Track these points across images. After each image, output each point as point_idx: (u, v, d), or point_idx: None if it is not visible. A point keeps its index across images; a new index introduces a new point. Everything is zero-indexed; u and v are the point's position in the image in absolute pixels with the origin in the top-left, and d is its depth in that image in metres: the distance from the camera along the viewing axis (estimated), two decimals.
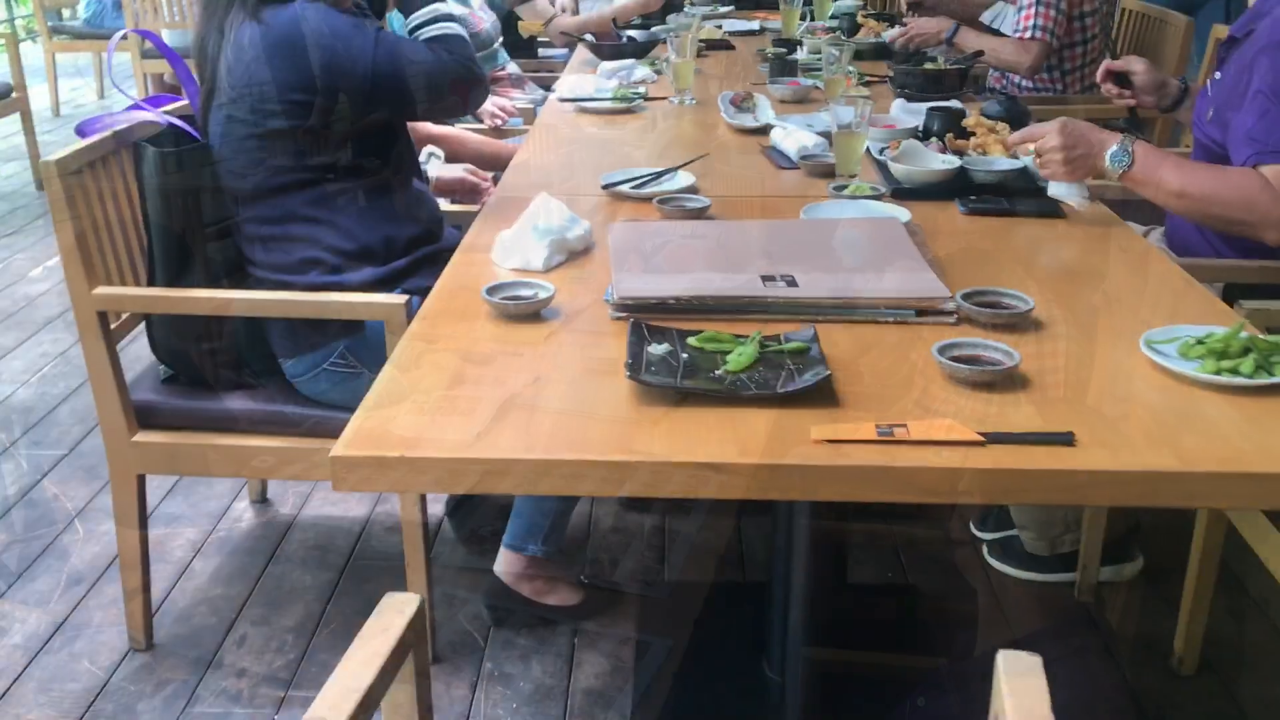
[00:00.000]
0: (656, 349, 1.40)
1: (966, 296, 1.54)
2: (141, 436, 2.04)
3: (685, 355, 1.39)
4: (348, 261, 1.98)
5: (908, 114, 2.61)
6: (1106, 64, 2.27)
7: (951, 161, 2.16)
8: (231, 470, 2.15)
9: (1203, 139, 2.16)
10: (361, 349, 1.98)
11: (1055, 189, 2.02)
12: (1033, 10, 3.32)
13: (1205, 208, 1.91)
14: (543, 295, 1.57)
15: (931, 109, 2.45)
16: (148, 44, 6.16)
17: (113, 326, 2.02)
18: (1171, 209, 2.00)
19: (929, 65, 3.03)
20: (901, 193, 2.11)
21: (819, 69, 3.30)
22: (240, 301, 1.95)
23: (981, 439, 1.20)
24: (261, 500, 2.68)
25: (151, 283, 2.03)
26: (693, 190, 2.15)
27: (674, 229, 1.83)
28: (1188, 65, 3.42)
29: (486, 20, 3.49)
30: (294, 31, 1.87)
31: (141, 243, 2.14)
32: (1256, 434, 1.22)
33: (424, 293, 1.97)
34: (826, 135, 2.47)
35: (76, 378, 3.36)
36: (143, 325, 2.12)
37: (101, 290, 1.96)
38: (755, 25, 4.15)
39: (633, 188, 2.16)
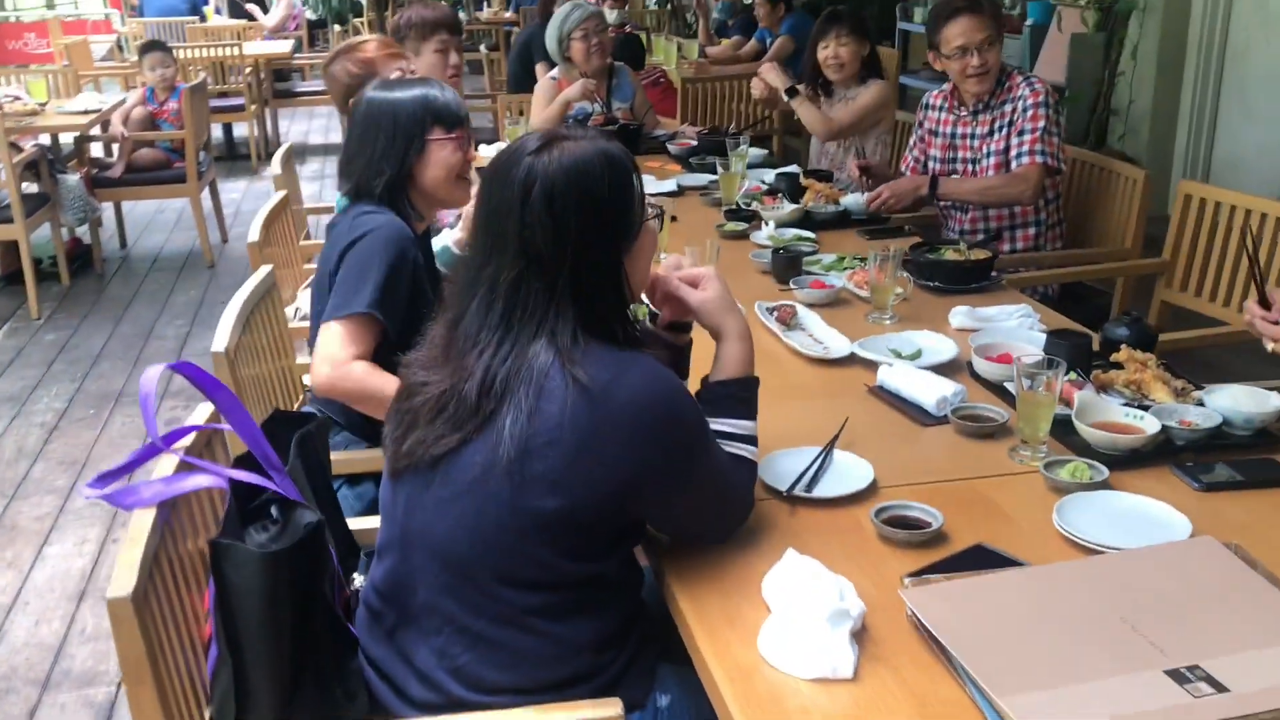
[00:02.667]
0: None
1: None
2: None
3: None
4: (565, 684, 1.49)
5: (1004, 334, 2.36)
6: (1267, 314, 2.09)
7: (1144, 419, 1.91)
8: None
9: None
10: None
11: None
12: (1036, 137, 3.22)
13: None
14: None
15: (1053, 336, 2.21)
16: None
17: None
18: None
19: (952, 254, 2.81)
20: (1109, 462, 1.84)
21: (813, 251, 3.03)
22: None
23: None
24: None
25: (242, 713, 1.46)
26: (906, 505, 1.72)
27: (979, 592, 1.46)
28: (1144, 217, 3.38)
29: None
30: (633, 413, 1.44)
31: (200, 662, 1.56)
32: None
33: (638, 705, 1.54)
34: (934, 369, 2.21)
35: None
36: None
37: None
38: (672, 185, 3.83)
39: (805, 489, 1.78)
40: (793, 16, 6.57)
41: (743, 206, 3.45)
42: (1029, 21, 7.00)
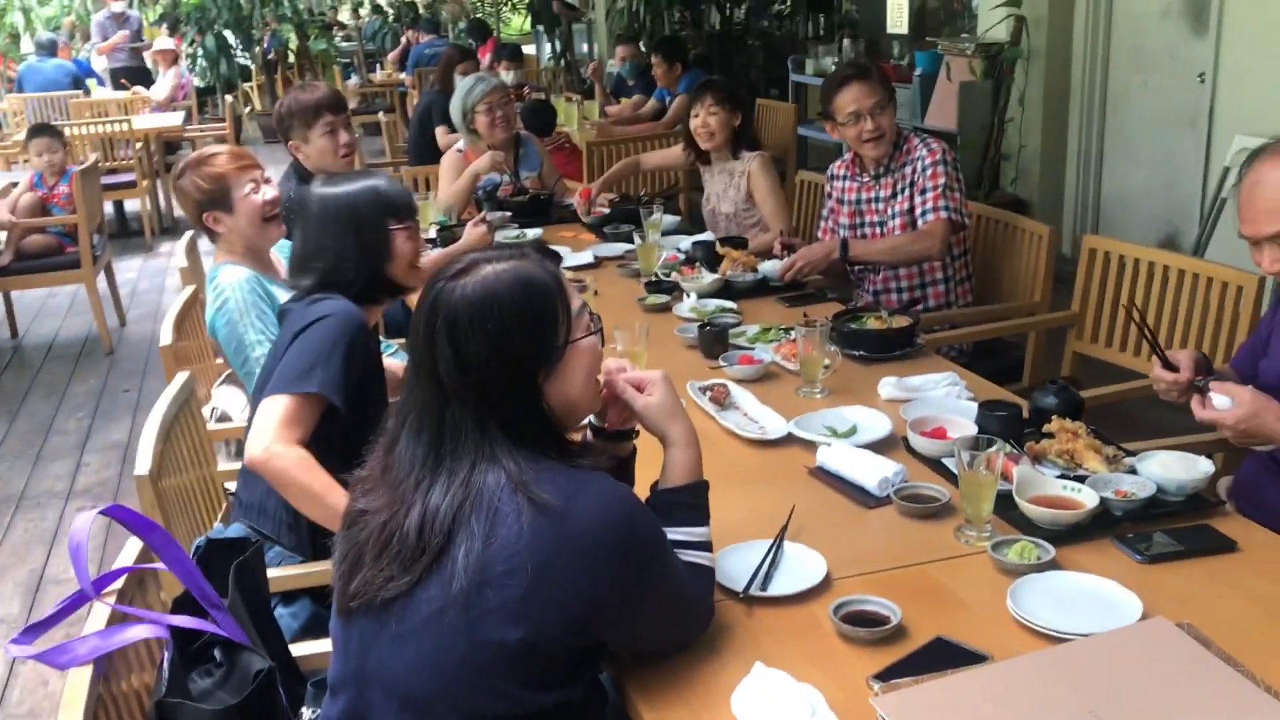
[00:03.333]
0: None
1: None
2: None
3: None
4: None
5: (934, 405, 2.39)
6: (1175, 378, 2.16)
7: (1082, 491, 1.94)
8: None
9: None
10: None
11: None
12: (938, 194, 3.30)
13: None
14: None
15: (984, 409, 2.24)
16: None
17: None
18: None
19: (874, 322, 2.85)
20: (1052, 537, 1.86)
21: (738, 323, 3.04)
22: None
23: None
24: None
25: None
26: (863, 599, 1.70)
27: (948, 695, 1.46)
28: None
29: None
30: (592, 536, 1.42)
31: None
32: None
33: None
34: (871, 446, 2.22)
35: None
36: None
37: None
38: (589, 256, 3.82)
39: (760, 588, 1.77)
40: (689, 75, 6.65)
41: (662, 278, 3.46)
42: (918, 71, 7.18)
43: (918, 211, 3.34)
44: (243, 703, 1.37)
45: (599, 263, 3.80)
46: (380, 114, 8.82)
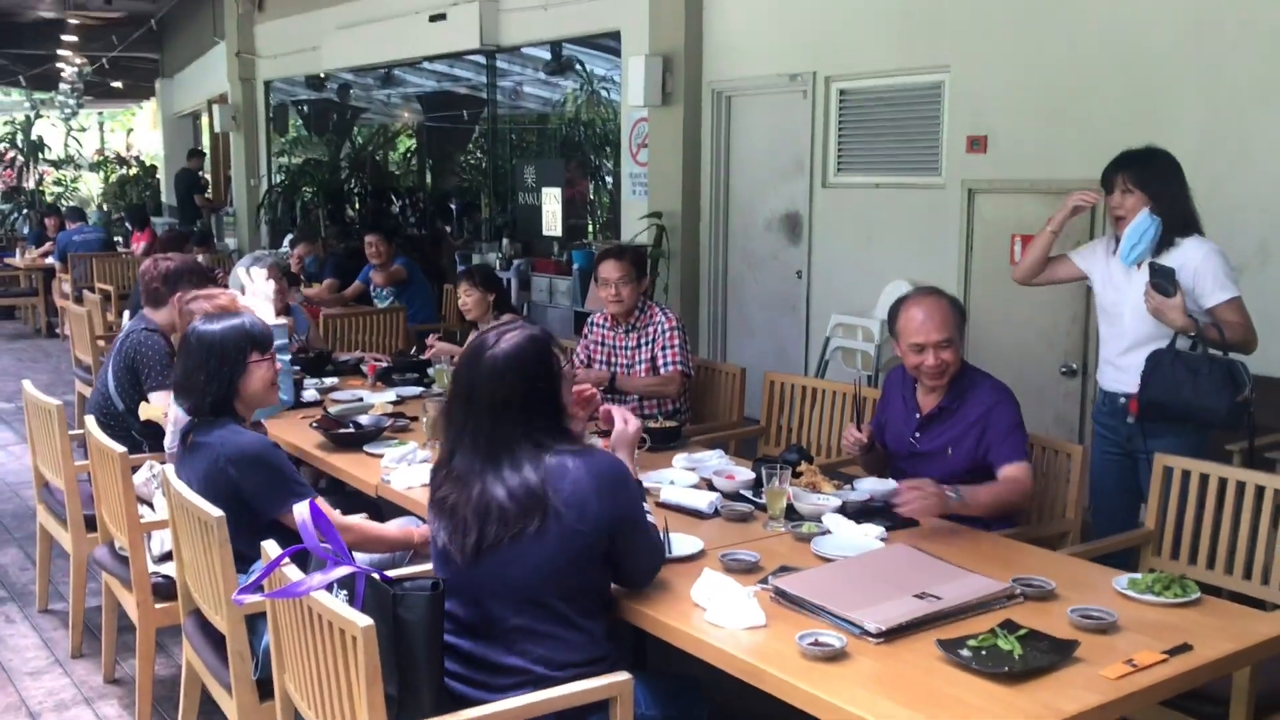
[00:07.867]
0: (965, 652, 2.26)
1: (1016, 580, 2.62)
2: None
3: (985, 652, 2.27)
4: (595, 662, 2.42)
5: (716, 467, 3.60)
6: (861, 436, 3.53)
7: (830, 499, 3.22)
8: None
9: (908, 470, 3.50)
10: None
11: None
12: (677, 351, 4.67)
13: (1000, 504, 3.21)
14: (839, 644, 2.30)
15: (758, 463, 3.49)
16: None
17: None
18: (983, 514, 3.23)
19: (653, 424, 4.06)
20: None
21: None
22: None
23: (1166, 656, 2.28)
24: None
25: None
26: (735, 551, 2.85)
27: (807, 579, 2.63)
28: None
29: None
30: (610, 470, 2.46)
31: None
32: None
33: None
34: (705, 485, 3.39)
35: None
36: None
37: None
38: (392, 395, 4.75)
39: (669, 553, 2.85)
40: (400, 257, 7.84)
41: None
42: (576, 266, 8.69)
43: (659, 362, 4.66)
44: (442, 593, 2.26)
45: (403, 400, 4.74)
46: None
